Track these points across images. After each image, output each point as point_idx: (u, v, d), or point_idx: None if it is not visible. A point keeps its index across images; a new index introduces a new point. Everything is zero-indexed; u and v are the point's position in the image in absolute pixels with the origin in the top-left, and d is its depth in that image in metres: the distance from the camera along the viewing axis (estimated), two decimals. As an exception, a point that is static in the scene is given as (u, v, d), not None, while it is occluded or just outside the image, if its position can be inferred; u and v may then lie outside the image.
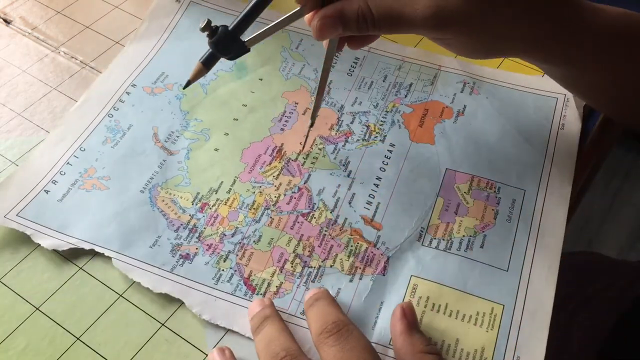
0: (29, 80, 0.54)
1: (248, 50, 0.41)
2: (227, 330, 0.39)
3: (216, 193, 0.46)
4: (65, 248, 0.42)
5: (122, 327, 0.40)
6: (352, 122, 0.50)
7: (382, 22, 0.35)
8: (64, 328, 0.39)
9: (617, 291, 0.59)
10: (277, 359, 0.35)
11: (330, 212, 0.44)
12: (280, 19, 0.39)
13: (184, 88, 0.42)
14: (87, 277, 0.42)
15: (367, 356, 0.35)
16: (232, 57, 0.41)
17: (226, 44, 0.40)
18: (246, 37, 0.40)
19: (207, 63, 0.41)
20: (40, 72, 0.54)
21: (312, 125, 0.46)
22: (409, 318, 0.37)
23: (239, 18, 0.39)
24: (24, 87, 0.53)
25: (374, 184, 0.46)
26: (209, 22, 0.39)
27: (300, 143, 0.48)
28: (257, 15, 0.39)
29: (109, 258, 0.42)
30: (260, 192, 0.46)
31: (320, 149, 0.48)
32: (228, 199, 0.45)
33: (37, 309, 0.40)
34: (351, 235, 0.43)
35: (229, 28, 0.39)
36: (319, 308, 0.38)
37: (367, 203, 0.45)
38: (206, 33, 0.39)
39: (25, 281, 0.41)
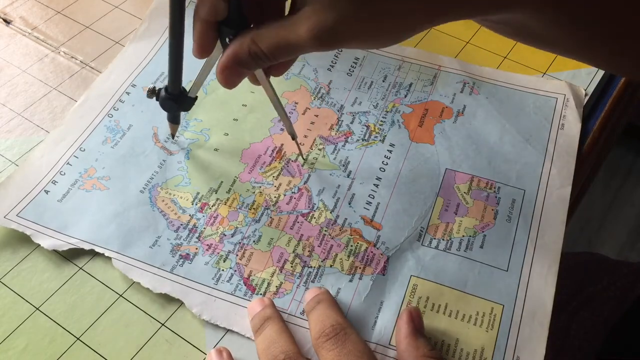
0: (29, 80, 0.54)
1: (195, 98, 0.45)
2: (227, 331, 0.39)
3: (216, 193, 0.46)
4: (65, 248, 0.42)
5: (122, 327, 0.40)
6: (352, 122, 0.50)
7: (276, 54, 0.35)
8: (64, 328, 0.39)
9: (617, 292, 0.59)
10: None
11: (330, 212, 0.44)
12: (205, 62, 0.41)
13: (173, 139, 0.48)
14: (87, 277, 0.42)
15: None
16: (185, 109, 0.46)
17: (171, 102, 0.44)
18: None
19: (173, 120, 0.47)
20: (40, 72, 0.54)
21: (294, 138, 0.46)
22: (416, 322, 0.38)
23: (168, 78, 0.43)
24: (24, 87, 0.53)
25: (374, 184, 0.46)
26: (151, 88, 0.44)
27: (300, 144, 0.48)
28: (180, 67, 0.42)
29: (109, 258, 0.42)
30: (260, 192, 0.46)
31: (320, 150, 0.48)
32: (228, 199, 0.45)
33: (37, 309, 0.40)
34: (351, 235, 0.43)
35: (167, 89, 0.44)
36: (320, 311, 0.38)
37: (367, 203, 0.45)
38: (154, 98, 0.45)
39: (25, 281, 0.41)
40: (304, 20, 0.32)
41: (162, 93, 0.44)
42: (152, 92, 0.45)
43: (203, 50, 0.38)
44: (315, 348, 0.37)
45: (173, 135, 0.48)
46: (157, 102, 0.45)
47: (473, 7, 0.31)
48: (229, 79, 0.37)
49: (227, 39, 0.37)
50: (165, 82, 0.44)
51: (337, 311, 0.38)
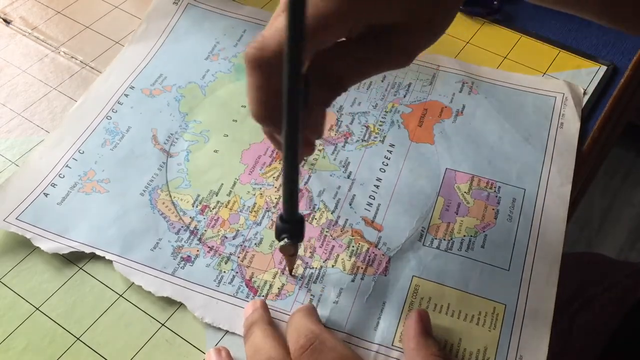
0: (29, 80, 0.53)
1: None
2: (227, 331, 0.39)
3: (216, 195, 0.45)
4: (65, 252, 0.42)
5: (122, 327, 0.39)
6: (351, 123, 0.50)
7: (360, 78, 0.35)
8: (64, 328, 0.39)
9: (619, 292, 0.59)
10: None
11: (331, 213, 0.44)
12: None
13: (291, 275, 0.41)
14: (87, 277, 0.41)
15: None
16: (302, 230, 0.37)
17: (296, 227, 0.36)
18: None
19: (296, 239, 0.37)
20: (40, 72, 0.54)
21: None
22: (425, 322, 0.38)
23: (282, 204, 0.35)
24: (24, 87, 0.53)
25: (374, 185, 0.46)
26: (281, 238, 0.36)
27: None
28: (296, 192, 0.34)
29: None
30: (261, 193, 0.45)
31: (320, 150, 0.48)
32: (229, 202, 0.45)
33: (37, 309, 0.40)
34: (352, 236, 0.43)
35: (282, 218, 0.35)
36: (295, 320, 0.37)
37: (367, 204, 0.45)
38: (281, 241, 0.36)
39: (25, 281, 0.41)
40: (398, 48, 0.34)
41: (279, 224, 0.36)
42: (281, 235, 0.36)
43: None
44: None
45: (291, 271, 0.41)
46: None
47: None
48: (323, 124, 0.35)
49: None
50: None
51: (311, 319, 0.37)
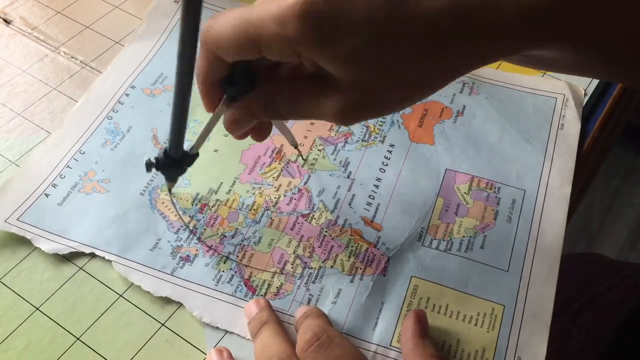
0: (29, 80, 0.54)
1: (197, 155, 0.41)
2: (227, 331, 0.39)
3: (216, 194, 0.46)
4: (65, 252, 0.42)
5: (122, 327, 0.40)
6: (352, 123, 0.50)
7: (292, 118, 0.36)
8: (64, 328, 0.39)
9: (619, 293, 0.59)
10: None
11: (331, 213, 0.44)
12: (210, 119, 0.39)
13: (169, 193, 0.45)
14: (87, 277, 0.42)
15: None
16: (185, 169, 0.42)
17: (172, 167, 0.41)
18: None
19: (171, 180, 0.43)
20: (40, 72, 0.54)
21: (297, 146, 0.46)
22: (423, 323, 0.38)
23: (169, 139, 0.39)
24: (24, 87, 0.53)
25: (374, 185, 0.46)
26: (147, 162, 0.40)
27: (300, 145, 0.48)
28: (184, 128, 0.38)
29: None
30: (260, 193, 0.46)
31: (319, 150, 0.48)
32: (228, 200, 0.45)
33: (37, 309, 0.40)
34: (351, 235, 0.43)
35: (166, 153, 0.39)
36: (304, 323, 0.38)
37: (367, 204, 0.45)
38: (154, 170, 0.40)
39: (25, 281, 0.41)
40: (329, 101, 0.32)
41: (162, 158, 0.40)
42: (150, 165, 0.40)
43: (212, 106, 0.38)
44: None
45: (170, 190, 0.44)
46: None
47: (489, 53, 0.30)
48: (240, 130, 0.38)
49: (231, 97, 0.36)
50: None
51: (320, 319, 0.38)
